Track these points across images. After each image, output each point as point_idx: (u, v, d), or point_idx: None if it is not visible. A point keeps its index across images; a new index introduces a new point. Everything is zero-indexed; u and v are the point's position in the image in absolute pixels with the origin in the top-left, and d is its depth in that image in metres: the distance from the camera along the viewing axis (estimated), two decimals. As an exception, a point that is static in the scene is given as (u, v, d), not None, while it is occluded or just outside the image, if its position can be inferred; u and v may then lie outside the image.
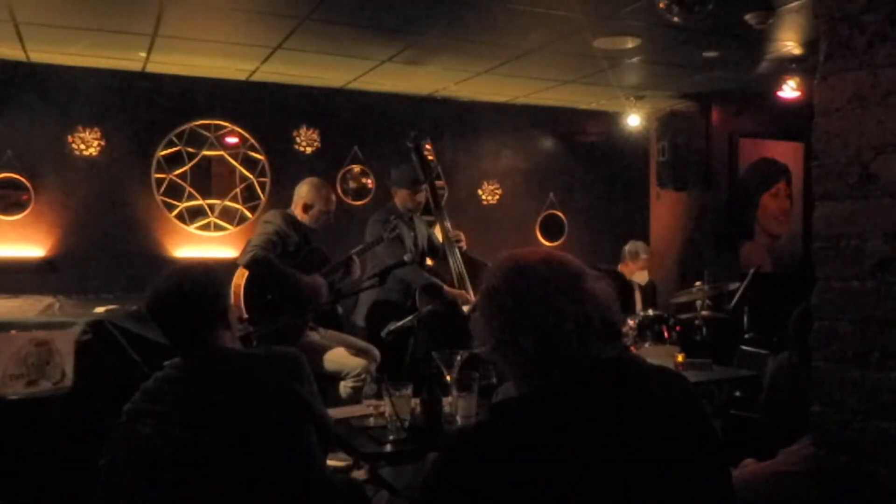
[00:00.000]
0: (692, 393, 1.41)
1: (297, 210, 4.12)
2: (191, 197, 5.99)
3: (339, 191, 6.30)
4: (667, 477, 1.26)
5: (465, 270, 4.53)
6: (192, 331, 1.90)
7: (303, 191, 4.14)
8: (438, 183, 6.73)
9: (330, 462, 2.28)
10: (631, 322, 4.76)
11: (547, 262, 1.39)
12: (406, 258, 4.05)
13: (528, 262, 1.39)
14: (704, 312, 5.21)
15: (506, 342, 1.35)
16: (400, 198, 4.61)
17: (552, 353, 1.32)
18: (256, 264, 3.80)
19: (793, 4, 4.12)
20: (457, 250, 4.60)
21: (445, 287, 4.36)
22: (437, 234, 4.79)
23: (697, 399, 1.42)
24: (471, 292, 4.41)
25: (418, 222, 4.70)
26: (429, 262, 4.76)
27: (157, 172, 5.88)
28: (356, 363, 3.99)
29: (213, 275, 2.00)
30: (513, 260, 1.41)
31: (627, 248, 5.91)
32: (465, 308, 4.31)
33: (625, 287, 5.62)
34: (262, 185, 6.17)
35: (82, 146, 5.64)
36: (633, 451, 1.25)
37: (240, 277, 3.90)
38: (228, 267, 3.87)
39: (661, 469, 1.26)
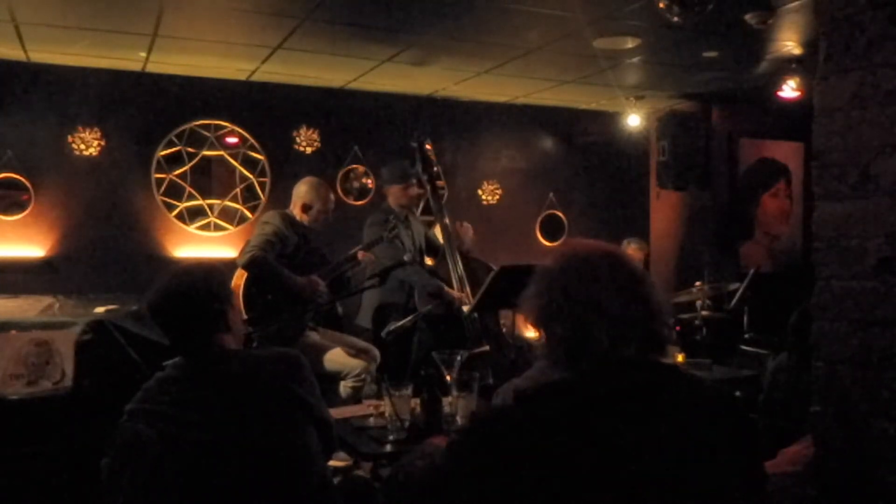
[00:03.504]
0: (737, 421, 1.35)
1: (295, 210, 4.11)
2: (191, 197, 5.99)
3: (340, 191, 6.30)
4: (678, 494, 1.24)
5: (464, 271, 4.50)
6: (193, 332, 1.90)
7: (301, 190, 4.13)
8: (438, 183, 6.72)
9: (330, 462, 2.28)
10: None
11: (608, 258, 1.39)
12: (406, 258, 4.05)
13: (589, 253, 1.40)
14: (704, 312, 5.21)
15: (543, 323, 1.38)
16: (393, 195, 4.57)
17: (580, 347, 1.33)
18: (254, 265, 3.80)
19: (793, 4, 4.12)
20: (457, 252, 4.56)
21: (445, 288, 4.34)
22: (437, 234, 4.78)
23: (741, 427, 1.36)
24: (469, 293, 4.37)
25: (414, 221, 4.69)
26: (429, 261, 4.75)
27: (157, 172, 5.88)
28: (356, 363, 3.99)
29: (214, 276, 1.99)
30: (574, 248, 1.43)
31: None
32: (465, 308, 4.29)
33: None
34: (262, 185, 6.17)
35: (82, 146, 5.64)
36: (645, 459, 1.23)
37: (239, 278, 3.90)
38: (229, 267, 3.87)
39: (675, 485, 1.24)
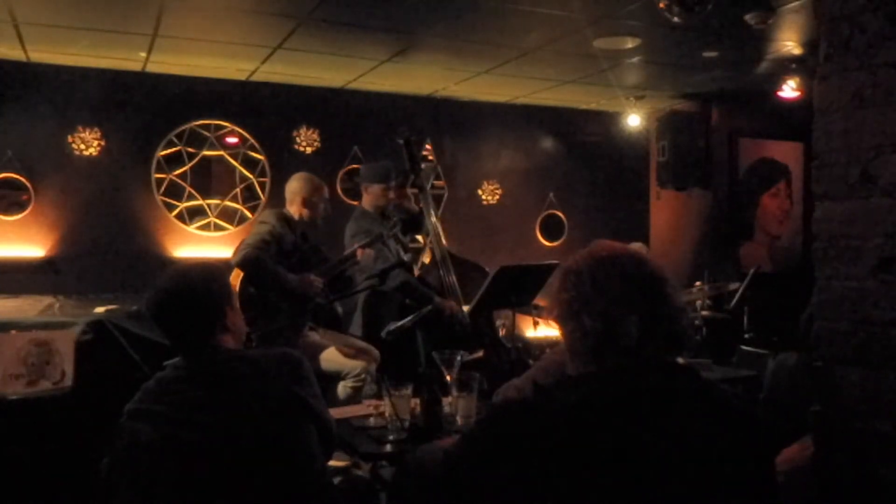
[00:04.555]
0: (751, 427, 1.36)
1: (291, 207, 4.10)
2: (191, 197, 5.99)
3: (340, 191, 6.30)
4: (689, 495, 1.25)
5: (455, 273, 4.42)
6: (193, 332, 1.90)
7: (294, 186, 4.12)
8: (438, 183, 6.71)
9: (330, 462, 2.27)
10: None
11: (634, 259, 1.42)
12: (406, 258, 4.03)
13: (616, 252, 1.43)
14: (704, 312, 5.21)
15: (569, 316, 1.39)
16: (373, 194, 4.45)
17: (610, 341, 1.34)
18: (248, 264, 3.77)
19: (793, 4, 4.12)
20: (447, 255, 4.48)
21: (436, 298, 4.26)
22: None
23: (756, 434, 1.36)
24: (461, 297, 4.31)
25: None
26: (426, 259, 4.70)
27: (157, 172, 5.88)
28: (356, 363, 3.98)
29: (214, 276, 1.99)
30: (603, 248, 1.45)
31: None
32: (466, 308, 4.27)
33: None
34: (262, 185, 6.17)
35: (82, 146, 5.64)
36: (658, 459, 1.24)
37: (235, 277, 3.89)
38: (228, 267, 3.86)
39: (686, 486, 1.24)
